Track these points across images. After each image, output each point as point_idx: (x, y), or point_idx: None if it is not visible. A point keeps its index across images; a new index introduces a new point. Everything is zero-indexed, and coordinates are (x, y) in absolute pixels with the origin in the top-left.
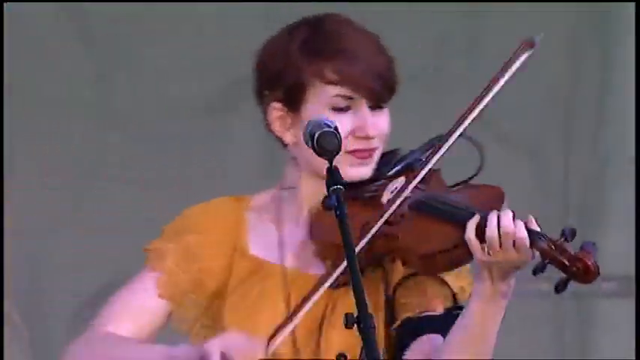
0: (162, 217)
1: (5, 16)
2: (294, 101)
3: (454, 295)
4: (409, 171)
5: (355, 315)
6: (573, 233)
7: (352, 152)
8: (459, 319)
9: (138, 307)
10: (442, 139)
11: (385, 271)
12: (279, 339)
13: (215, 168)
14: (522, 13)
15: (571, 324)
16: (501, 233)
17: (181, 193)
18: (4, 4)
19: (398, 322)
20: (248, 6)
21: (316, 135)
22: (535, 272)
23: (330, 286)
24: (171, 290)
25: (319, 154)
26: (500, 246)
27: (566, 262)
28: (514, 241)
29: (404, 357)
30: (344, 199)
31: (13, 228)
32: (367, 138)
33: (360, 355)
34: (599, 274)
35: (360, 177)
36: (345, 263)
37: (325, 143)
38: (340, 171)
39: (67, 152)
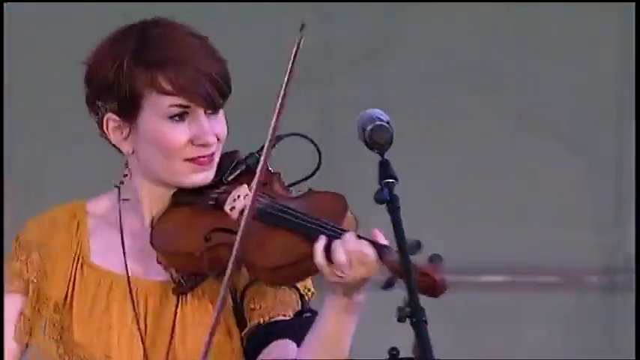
0: None
1: (5, 16)
2: (129, 112)
3: (301, 297)
4: (249, 175)
5: (407, 309)
6: (418, 245)
7: (192, 160)
8: (314, 327)
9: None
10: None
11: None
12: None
13: None
14: (574, 12)
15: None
16: (350, 257)
17: None
18: (4, 4)
19: (247, 329)
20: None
21: (368, 128)
22: (385, 287)
23: (179, 292)
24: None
25: (370, 148)
26: (350, 266)
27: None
28: (362, 259)
29: None
30: (188, 203)
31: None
32: (206, 145)
33: (413, 351)
34: (446, 288)
35: (202, 182)
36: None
37: (377, 137)
38: (180, 180)
39: (67, 152)
